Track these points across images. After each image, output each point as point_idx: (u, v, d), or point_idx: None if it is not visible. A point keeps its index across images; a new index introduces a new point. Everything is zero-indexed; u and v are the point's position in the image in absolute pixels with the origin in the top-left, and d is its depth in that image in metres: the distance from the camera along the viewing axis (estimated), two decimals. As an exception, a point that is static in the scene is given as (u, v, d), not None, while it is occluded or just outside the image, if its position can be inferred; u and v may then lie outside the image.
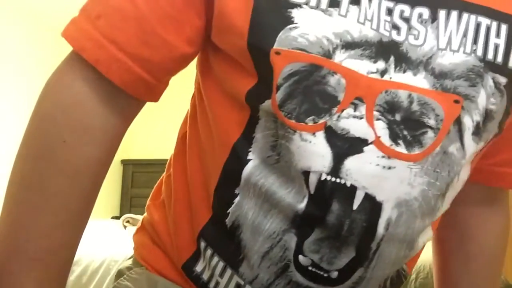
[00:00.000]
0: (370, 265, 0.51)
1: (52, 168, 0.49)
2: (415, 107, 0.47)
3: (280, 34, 0.46)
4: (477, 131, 0.50)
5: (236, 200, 0.51)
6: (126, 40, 0.49)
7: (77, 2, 0.59)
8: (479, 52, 0.49)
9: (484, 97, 0.49)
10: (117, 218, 3.68)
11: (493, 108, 0.50)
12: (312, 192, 0.48)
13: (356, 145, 0.47)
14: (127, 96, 0.51)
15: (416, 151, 0.47)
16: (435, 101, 0.47)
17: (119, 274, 0.62)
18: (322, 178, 0.47)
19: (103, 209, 4.20)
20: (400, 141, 0.47)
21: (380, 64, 0.47)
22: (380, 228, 0.49)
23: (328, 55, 0.47)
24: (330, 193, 0.48)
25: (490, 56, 0.49)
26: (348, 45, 0.47)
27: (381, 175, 0.47)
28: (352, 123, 0.47)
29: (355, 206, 0.48)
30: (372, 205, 0.48)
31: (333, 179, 0.47)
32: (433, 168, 0.49)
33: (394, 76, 0.47)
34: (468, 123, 0.49)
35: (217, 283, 0.54)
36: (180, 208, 0.58)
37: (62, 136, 0.49)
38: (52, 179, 0.49)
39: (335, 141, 0.47)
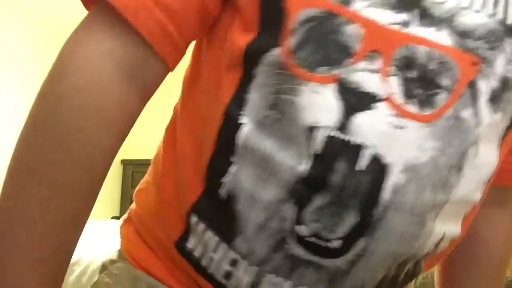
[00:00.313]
0: (373, 234, 0.46)
1: (67, 161, 0.45)
2: (433, 65, 0.45)
3: None
4: (494, 98, 0.47)
5: (232, 169, 0.48)
6: None
7: (75, 1, 0.58)
8: (499, 16, 0.46)
9: (503, 63, 0.46)
10: (117, 218, 3.69)
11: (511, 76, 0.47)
12: (316, 150, 0.45)
13: (367, 100, 0.44)
14: (154, 64, 0.49)
15: (428, 111, 0.45)
16: (454, 60, 0.45)
17: (103, 267, 0.60)
18: (330, 134, 0.44)
19: (103, 209, 4.20)
20: (414, 100, 0.45)
21: (404, 16, 0.44)
22: (386, 193, 0.45)
23: (346, 1, 0.44)
24: (336, 151, 0.44)
25: (510, 21, 0.46)
26: None
27: (391, 134, 0.44)
28: (366, 77, 0.44)
29: (361, 166, 0.45)
30: (379, 167, 0.45)
31: (341, 135, 0.44)
32: (445, 133, 0.45)
33: (417, 30, 0.44)
34: (483, 88, 0.46)
35: (211, 259, 0.50)
36: (169, 185, 0.55)
37: (79, 123, 0.45)
38: (65, 173, 0.45)
39: (346, 94, 0.44)
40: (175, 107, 0.60)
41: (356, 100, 0.44)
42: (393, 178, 0.45)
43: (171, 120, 0.60)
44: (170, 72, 0.52)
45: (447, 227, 0.50)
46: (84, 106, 0.46)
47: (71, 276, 2.01)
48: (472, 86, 0.46)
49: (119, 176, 4.52)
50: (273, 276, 0.49)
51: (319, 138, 0.44)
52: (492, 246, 0.66)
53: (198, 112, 0.54)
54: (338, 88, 0.44)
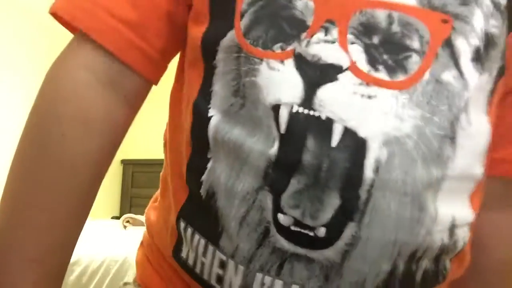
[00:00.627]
0: (363, 219, 0.42)
1: (51, 165, 0.48)
2: (395, 28, 0.42)
3: None
4: (478, 57, 0.43)
5: (209, 165, 0.46)
6: (115, 5, 0.48)
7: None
8: None
9: (481, 18, 0.43)
10: (117, 218, 3.68)
11: (495, 32, 0.43)
12: (283, 130, 0.42)
13: (329, 72, 0.41)
14: (130, 75, 0.50)
15: (400, 77, 0.41)
16: (419, 20, 0.42)
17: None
18: (294, 111, 0.42)
19: (103, 209, 4.20)
20: (380, 67, 0.41)
21: None
22: (368, 171, 0.41)
23: None
24: (304, 128, 0.42)
25: None
26: None
27: (360, 105, 0.41)
28: (324, 48, 0.42)
29: (333, 143, 0.41)
30: (355, 142, 0.41)
31: (306, 111, 0.42)
32: (427, 100, 0.42)
33: None
34: (463, 47, 0.42)
35: (203, 265, 0.48)
36: (167, 198, 0.54)
37: (62, 130, 0.47)
38: (51, 176, 0.48)
39: (306, 69, 0.42)
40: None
41: (317, 73, 0.42)
42: (373, 153, 0.41)
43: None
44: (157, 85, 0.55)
45: (454, 209, 0.45)
46: (67, 114, 0.48)
47: (71, 276, 2.01)
48: (448, 45, 0.42)
49: (119, 176, 4.52)
50: (262, 275, 0.45)
51: (283, 116, 0.42)
52: (497, 256, 0.59)
53: (177, 118, 0.54)
54: (296, 63, 0.42)
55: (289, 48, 0.43)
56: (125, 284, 0.60)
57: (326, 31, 0.42)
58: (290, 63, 0.43)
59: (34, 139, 0.48)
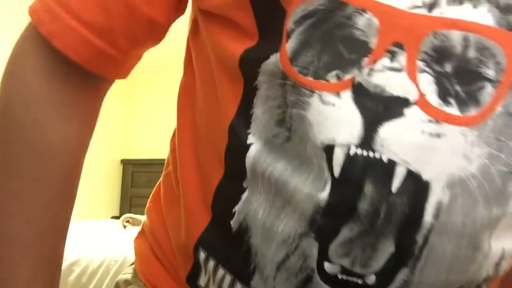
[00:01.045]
0: (417, 264, 0.38)
1: (27, 151, 0.45)
2: (471, 53, 0.36)
3: None
4: None
5: (244, 195, 0.41)
6: (82, 7, 0.44)
7: None
8: None
9: None
10: (117, 218, 3.68)
11: None
12: (337, 174, 0.37)
13: (394, 106, 0.36)
14: (91, 75, 0.46)
15: (472, 112, 0.36)
16: (496, 44, 0.36)
17: (116, 286, 0.57)
18: (351, 153, 0.36)
19: (103, 209, 4.20)
20: (452, 100, 0.36)
21: None
22: (428, 215, 0.37)
23: None
24: (362, 172, 0.36)
25: None
26: None
27: (427, 145, 0.36)
28: (389, 77, 0.36)
29: (394, 188, 0.36)
30: (417, 185, 0.36)
31: (365, 152, 0.36)
32: (495, 136, 0.36)
33: (447, 10, 0.36)
34: None
35: None
36: (176, 209, 0.50)
37: (33, 116, 0.45)
38: (28, 162, 0.45)
39: (366, 102, 0.36)
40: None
41: (379, 108, 0.36)
42: (435, 197, 0.37)
43: (171, 144, 0.55)
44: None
45: (504, 243, 0.41)
46: (30, 116, 0.46)
47: (71, 276, 2.01)
48: None
49: (119, 176, 4.52)
50: None
51: (338, 159, 0.37)
52: None
53: (198, 132, 0.47)
54: (355, 95, 0.36)
55: (347, 76, 0.37)
56: (126, 283, 0.56)
57: (393, 56, 0.36)
58: (347, 95, 0.36)
59: (5, 128, 0.46)
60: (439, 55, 0.36)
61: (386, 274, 0.39)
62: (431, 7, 0.36)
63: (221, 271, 0.44)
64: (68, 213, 0.49)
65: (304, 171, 0.38)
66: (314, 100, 0.37)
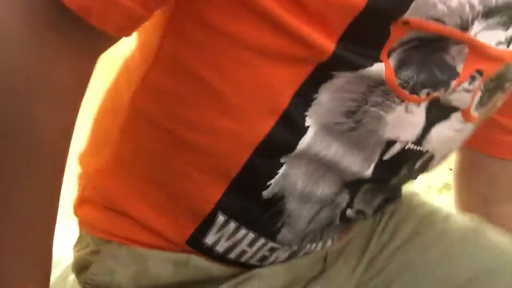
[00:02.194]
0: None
1: (20, 148, 0.38)
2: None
3: (416, 1, 0.37)
4: None
5: (281, 170, 0.44)
6: None
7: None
8: None
9: None
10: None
11: None
12: (385, 158, 0.45)
13: (447, 112, 0.45)
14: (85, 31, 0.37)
15: (482, 113, 0.48)
16: None
17: (83, 266, 0.52)
18: (406, 147, 0.45)
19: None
20: (480, 106, 0.47)
21: (511, 32, 0.42)
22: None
23: (465, 26, 0.40)
24: (405, 159, 0.46)
25: None
26: (489, 12, 0.40)
27: (452, 138, 0.47)
28: (461, 96, 0.44)
29: (416, 166, 0.48)
30: (428, 160, 0.48)
31: (415, 147, 0.45)
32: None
33: None
34: None
35: (244, 252, 0.49)
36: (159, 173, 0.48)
37: (25, 105, 0.37)
38: (22, 162, 0.38)
39: (433, 110, 0.44)
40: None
41: (440, 113, 0.44)
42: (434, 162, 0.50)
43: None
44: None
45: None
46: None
47: (71, 276, 2.00)
48: None
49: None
50: (310, 244, 0.52)
51: (395, 150, 0.45)
52: None
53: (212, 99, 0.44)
54: (429, 105, 0.43)
55: (435, 94, 0.43)
56: (93, 253, 0.52)
57: (472, 80, 0.43)
58: (424, 105, 0.43)
59: None
60: (497, 78, 0.45)
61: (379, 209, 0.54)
62: (510, 41, 0.43)
63: (243, 231, 0.48)
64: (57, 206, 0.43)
65: (354, 153, 0.44)
66: (400, 108, 0.42)
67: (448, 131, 0.46)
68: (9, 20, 0.36)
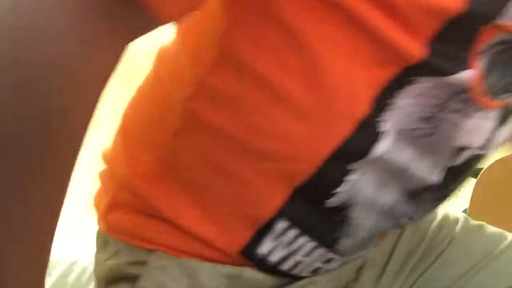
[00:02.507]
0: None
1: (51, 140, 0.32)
2: None
3: (508, 4, 0.37)
4: None
5: (349, 177, 0.43)
6: None
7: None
8: None
9: None
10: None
11: None
12: (453, 165, 0.45)
13: (510, 116, 0.45)
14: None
15: None
16: None
17: (117, 278, 0.50)
18: (474, 154, 0.45)
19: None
20: None
21: None
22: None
23: None
24: (471, 165, 0.46)
25: None
26: None
27: (505, 138, 0.47)
28: None
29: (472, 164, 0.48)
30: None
31: (481, 152, 0.45)
32: None
33: None
34: None
35: (298, 262, 0.47)
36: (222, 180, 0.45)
37: (59, 99, 0.31)
38: (49, 156, 0.32)
39: (502, 115, 0.44)
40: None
41: (506, 117, 0.45)
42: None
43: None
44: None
45: None
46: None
47: (71, 276, 2.01)
48: None
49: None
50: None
51: (465, 156, 0.45)
52: None
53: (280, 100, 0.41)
54: (501, 111, 0.43)
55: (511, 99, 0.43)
56: (129, 265, 0.49)
57: None
58: (496, 111, 0.43)
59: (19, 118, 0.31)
60: None
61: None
62: None
63: (303, 239, 0.46)
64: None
65: (423, 159, 0.43)
66: (477, 115, 0.42)
67: (506, 133, 0.46)
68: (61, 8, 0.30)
